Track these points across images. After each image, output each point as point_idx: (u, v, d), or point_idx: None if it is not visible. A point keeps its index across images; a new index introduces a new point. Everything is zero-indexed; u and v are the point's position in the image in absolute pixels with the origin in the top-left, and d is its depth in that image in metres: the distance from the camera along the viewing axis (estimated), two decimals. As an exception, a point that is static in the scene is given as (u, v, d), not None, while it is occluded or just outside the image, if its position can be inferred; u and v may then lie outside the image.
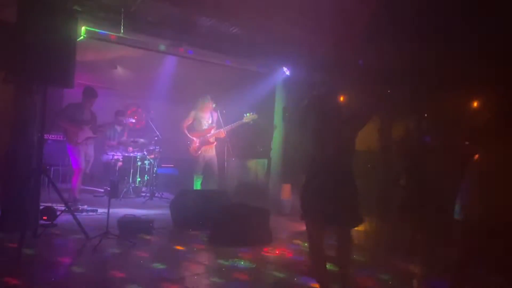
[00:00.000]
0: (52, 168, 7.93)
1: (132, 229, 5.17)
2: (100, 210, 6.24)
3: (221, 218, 5.34)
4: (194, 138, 7.48)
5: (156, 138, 8.40)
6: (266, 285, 4.09)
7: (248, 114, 7.36)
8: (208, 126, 7.53)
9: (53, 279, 3.60)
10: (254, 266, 4.40)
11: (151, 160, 8.37)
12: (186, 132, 7.54)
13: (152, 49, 6.90)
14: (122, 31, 5.78)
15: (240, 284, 3.86)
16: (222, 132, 7.42)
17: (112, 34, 5.95)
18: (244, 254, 4.73)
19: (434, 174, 6.11)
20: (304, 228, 4.06)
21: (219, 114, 7.50)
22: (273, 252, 4.98)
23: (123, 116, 8.39)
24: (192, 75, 8.84)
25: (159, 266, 4.18)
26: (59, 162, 7.93)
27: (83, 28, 5.57)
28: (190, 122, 7.56)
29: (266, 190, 8.15)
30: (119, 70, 9.22)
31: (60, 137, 7.77)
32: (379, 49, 6.31)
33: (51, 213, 5.22)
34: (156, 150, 8.40)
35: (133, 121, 8.11)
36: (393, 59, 6.59)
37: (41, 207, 5.06)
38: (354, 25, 5.77)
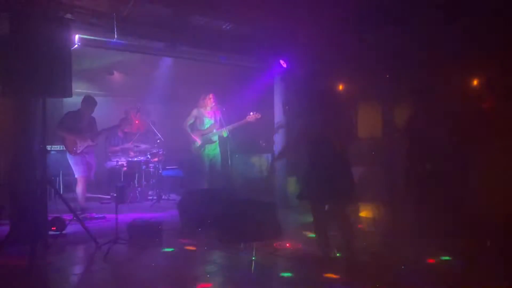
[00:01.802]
0: (57, 179, 7.94)
1: (141, 233, 5.17)
2: (108, 217, 6.26)
3: (229, 215, 5.34)
4: (196, 137, 7.47)
5: (158, 141, 8.41)
6: (280, 279, 4.08)
7: (251, 114, 7.34)
8: (210, 125, 7.51)
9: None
10: (265, 261, 4.41)
11: (156, 163, 8.38)
12: (188, 131, 7.52)
13: (147, 52, 6.88)
14: (115, 36, 5.75)
15: (253, 280, 3.86)
16: (225, 131, 7.40)
17: (106, 40, 5.93)
18: (255, 249, 4.73)
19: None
20: (311, 219, 4.32)
21: (220, 112, 7.48)
22: (283, 246, 4.98)
23: (129, 123, 8.40)
24: (189, 75, 8.83)
25: (171, 267, 4.18)
26: (64, 172, 7.92)
27: (76, 36, 5.55)
28: (192, 120, 7.54)
29: (271, 184, 8.14)
30: (116, 76, 9.21)
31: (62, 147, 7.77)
32: (376, 31, 6.29)
33: (60, 223, 5.23)
34: (160, 153, 8.40)
35: (134, 123, 8.10)
36: (391, 41, 6.56)
37: (49, 218, 5.08)
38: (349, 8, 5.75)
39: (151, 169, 8.37)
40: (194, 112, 7.54)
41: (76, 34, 5.56)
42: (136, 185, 8.11)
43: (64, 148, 6.74)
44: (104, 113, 7.17)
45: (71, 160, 6.49)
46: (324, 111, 4.38)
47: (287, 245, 5.01)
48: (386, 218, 6.15)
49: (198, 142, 7.47)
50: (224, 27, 6.66)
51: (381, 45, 6.78)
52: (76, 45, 5.60)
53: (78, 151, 6.39)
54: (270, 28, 6.64)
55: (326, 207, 4.57)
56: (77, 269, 4.20)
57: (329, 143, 4.20)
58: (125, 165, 8.13)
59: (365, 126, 8.46)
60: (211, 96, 7.47)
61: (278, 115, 8.01)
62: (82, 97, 6.76)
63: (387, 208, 6.27)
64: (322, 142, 4.26)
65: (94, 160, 6.77)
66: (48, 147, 7.00)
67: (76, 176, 6.53)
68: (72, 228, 5.28)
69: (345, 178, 4.26)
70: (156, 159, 8.38)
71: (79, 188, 6.50)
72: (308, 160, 4.43)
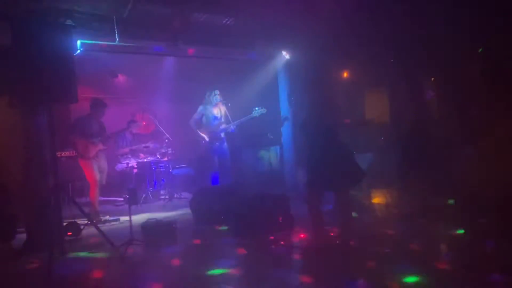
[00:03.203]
0: (70, 184, 8.00)
1: (156, 232, 5.19)
2: (122, 219, 6.30)
3: (242, 210, 5.35)
4: (204, 134, 7.48)
5: (166, 141, 8.44)
6: (298, 270, 4.09)
7: (257, 109, 7.33)
8: (217, 122, 7.51)
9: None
10: (281, 253, 4.41)
11: (166, 163, 8.41)
12: (195, 128, 7.53)
13: (150, 52, 6.89)
14: (117, 39, 5.76)
15: (272, 273, 3.87)
16: (232, 128, 7.39)
17: (108, 43, 5.94)
18: (270, 242, 4.73)
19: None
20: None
21: (226, 108, 7.48)
22: (298, 237, 4.98)
23: (136, 124, 8.44)
24: (193, 73, 8.83)
25: (187, 265, 4.21)
26: (76, 177, 7.98)
27: (78, 42, 5.57)
28: (198, 118, 7.54)
29: (281, 176, 8.15)
30: (120, 78, 9.24)
31: (73, 153, 7.81)
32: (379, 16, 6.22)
33: (75, 228, 5.28)
34: (169, 152, 8.44)
35: (142, 124, 8.11)
36: (393, 27, 6.49)
37: (64, 224, 5.12)
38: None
39: (161, 169, 8.41)
40: (200, 109, 7.54)
41: (78, 39, 5.59)
42: (148, 185, 8.15)
43: (75, 154, 6.77)
44: (110, 115, 7.17)
45: (83, 165, 6.52)
46: (320, 99, 4.49)
47: (301, 235, 5.01)
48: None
49: (206, 139, 7.48)
50: (224, 22, 6.64)
51: (384, 30, 6.72)
52: (79, 51, 5.63)
53: (90, 156, 6.42)
54: (270, 20, 6.60)
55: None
56: (95, 273, 4.23)
57: (327, 130, 4.30)
58: (135, 166, 8.18)
59: (373, 112, 8.43)
60: (216, 92, 7.46)
61: (284, 106, 8.00)
62: (90, 101, 6.76)
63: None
64: (320, 130, 4.33)
65: (106, 164, 6.80)
66: (59, 153, 7.07)
67: (88, 180, 6.57)
68: (87, 232, 5.33)
69: (346, 163, 4.29)
70: (165, 159, 8.42)
71: (92, 192, 6.53)
72: (311, 149, 4.46)
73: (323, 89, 4.66)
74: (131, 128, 8.25)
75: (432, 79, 7.70)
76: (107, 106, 6.72)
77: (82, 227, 5.30)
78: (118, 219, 6.36)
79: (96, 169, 6.48)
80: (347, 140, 4.39)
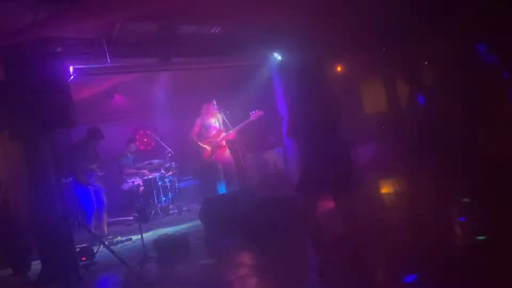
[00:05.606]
0: (78, 210, 8.01)
1: (169, 248, 5.21)
2: (134, 238, 6.31)
3: (252, 215, 5.35)
4: (205, 145, 7.50)
5: (169, 155, 8.45)
6: (311, 272, 4.09)
7: (253, 112, 7.34)
8: (217, 131, 7.53)
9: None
10: (293, 255, 4.41)
11: (171, 177, 8.42)
12: (196, 140, 7.55)
13: (143, 69, 6.92)
14: (108, 60, 5.78)
15: (286, 275, 3.87)
16: (232, 134, 7.41)
17: (100, 66, 5.97)
18: (282, 245, 4.73)
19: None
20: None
21: (223, 116, 7.50)
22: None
23: (134, 143, 8.46)
24: (188, 85, 8.85)
25: (203, 274, 4.21)
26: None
27: (71, 68, 5.60)
28: (197, 129, 7.57)
29: (288, 177, 8.13)
30: (117, 98, 9.26)
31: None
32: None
33: (89, 253, 5.29)
34: (173, 166, 8.45)
35: (142, 143, 8.14)
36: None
37: (77, 249, 5.14)
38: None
39: (167, 184, 8.41)
40: (199, 121, 7.57)
41: (71, 65, 5.61)
42: (156, 201, 8.16)
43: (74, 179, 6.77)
44: (111, 136, 7.20)
45: (79, 192, 6.48)
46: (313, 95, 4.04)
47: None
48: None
49: (208, 149, 7.50)
50: (213, 31, 6.66)
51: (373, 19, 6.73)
52: (72, 76, 5.65)
53: (90, 181, 6.43)
54: (258, 23, 6.61)
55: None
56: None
57: (324, 129, 3.87)
58: (141, 184, 8.20)
59: (371, 102, 8.43)
60: (213, 102, 7.49)
61: (282, 107, 8.00)
62: (88, 126, 6.77)
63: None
64: (317, 129, 3.89)
65: (103, 187, 6.75)
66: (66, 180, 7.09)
67: (85, 208, 6.54)
68: (101, 255, 5.34)
69: (344, 163, 3.86)
70: (170, 173, 8.43)
71: (99, 216, 6.54)
72: (306, 149, 4.04)
73: (318, 85, 4.44)
74: (132, 146, 8.28)
75: (426, 62, 7.71)
76: (103, 137, 6.71)
77: (95, 250, 5.31)
78: (131, 239, 6.37)
79: (92, 195, 6.47)
80: (346, 133, 4.16)
